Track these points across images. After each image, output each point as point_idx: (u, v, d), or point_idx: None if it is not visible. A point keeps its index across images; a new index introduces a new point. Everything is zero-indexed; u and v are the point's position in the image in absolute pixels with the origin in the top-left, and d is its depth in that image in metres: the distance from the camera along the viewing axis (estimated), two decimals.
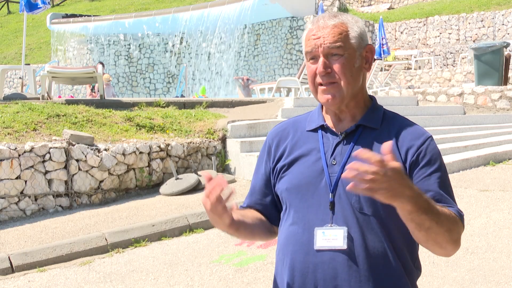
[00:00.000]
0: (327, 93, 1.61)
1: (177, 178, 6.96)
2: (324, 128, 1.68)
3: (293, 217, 1.65)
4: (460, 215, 1.56)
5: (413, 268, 1.64)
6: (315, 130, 1.69)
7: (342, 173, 1.58)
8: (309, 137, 1.69)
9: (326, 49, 1.59)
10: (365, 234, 1.56)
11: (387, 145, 1.38)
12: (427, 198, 1.47)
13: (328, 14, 1.64)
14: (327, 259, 1.57)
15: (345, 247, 1.55)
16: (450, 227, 1.51)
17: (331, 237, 1.56)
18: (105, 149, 6.75)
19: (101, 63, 14.88)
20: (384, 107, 1.73)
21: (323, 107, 1.72)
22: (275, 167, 1.73)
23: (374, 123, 1.65)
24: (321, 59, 1.59)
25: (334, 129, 1.67)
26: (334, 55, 1.59)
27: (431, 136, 1.65)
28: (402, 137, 1.62)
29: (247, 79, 16.09)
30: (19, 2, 13.07)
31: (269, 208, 1.78)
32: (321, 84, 1.62)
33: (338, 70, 1.59)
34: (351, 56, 1.60)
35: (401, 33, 20.76)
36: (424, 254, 1.66)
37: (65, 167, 6.47)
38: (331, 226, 1.58)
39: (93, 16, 22.85)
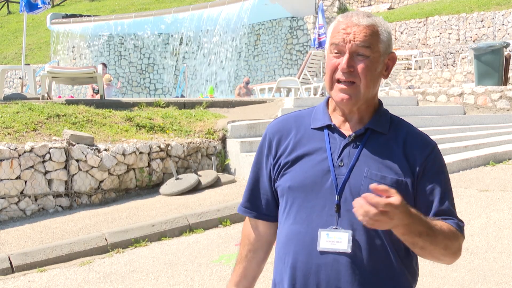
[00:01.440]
0: (344, 93, 1.58)
1: (177, 178, 6.96)
2: (331, 128, 1.66)
3: (295, 216, 1.63)
4: (460, 227, 1.59)
5: (416, 272, 1.65)
6: (320, 129, 1.67)
7: (349, 175, 1.59)
8: (314, 136, 1.66)
9: (355, 46, 1.56)
10: (370, 238, 1.55)
11: (380, 186, 1.40)
12: (425, 222, 1.49)
13: (362, 13, 1.62)
14: (330, 260, 1.56)
15: (349, 250, 1.54)
16: (447, 244, 1.53)
17: (336, 240, 1.55)
18: (105, 149, 6.75)
19: (103, 63, 14.87)
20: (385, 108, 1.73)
21: (329, 104, 1.70)
22: (277, 163, 1.70)
23: (382, 128, 1.64)
24: (347, 56, 1.57)
25: (341, 130, 1.65)
26: (359, 55, 1.57)
27: (436, 144, 1.66)
28: (409, 145, 1.62)
29: (247, 82, 16.12)
30: (19, 2, 13.08)
31: (270, 205, 1.77)
32: (339, 82, 1.59)
33: (360, 71, 1.56)
34: (376, 60, 1.58)
35: (401, 33, 20.76)
36: None
37: (65, 167, 6.47)
38: (335, 228, 1.56)
39: (93, 16, 22.85)
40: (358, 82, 1.57)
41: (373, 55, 1.57)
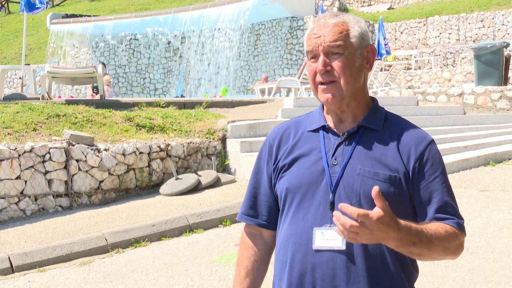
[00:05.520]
0: (327, 92, 1.61)
1: (177, 178, 6.96)
2: (325, 128, 1.68)
3: (292, 217, 1.64)
4: (460, 225, 1.58)
5: (412, 270, 1.64)
6: (316, 130, 1.69)
7: (343, 173, 1.59)
8: (310, 137, 1.69)
9: (326, 47, 1.59)
10: None
11: (375, 190, 1.37)
12: (417, 230, 1.47)
13: (330, 13, 1.65)
14: (325, 259, 1.56)
15: (344, 248, 1.55)
16: (446, 246, 1.53)
17: (330, 238, 1.56)
18: (105, 149, 6.75)
19: (103, 63, 14.87)
20: (384, 107, 1.74)
21: (324, 107, 1.72)
22: (276, 166, 1.72)
23: (376, 125, 1.65)
24: (321, 57, 1.60)
25: (335, 130, 1.66)
26: (334, 54, 1.59)
27: (432, 140, 1.65)
28: (403, 140, 1.62)
29: (266, 79, 16.17)
30: (19, 2, 13.09)
31: (273, 212, 1.77)
32: (321, 83, 1.62)
33: (337, 69, 1.59)
34: (351, 55, 1.60)
35: (401, 33, 20.76)
36: None
37: (65, 167, 6.47)
38: (330, 226, 1.57)
39: (93, 16, 22.85)
40: (338, 80, 1.60)
41: (347, 51, 1.60)
